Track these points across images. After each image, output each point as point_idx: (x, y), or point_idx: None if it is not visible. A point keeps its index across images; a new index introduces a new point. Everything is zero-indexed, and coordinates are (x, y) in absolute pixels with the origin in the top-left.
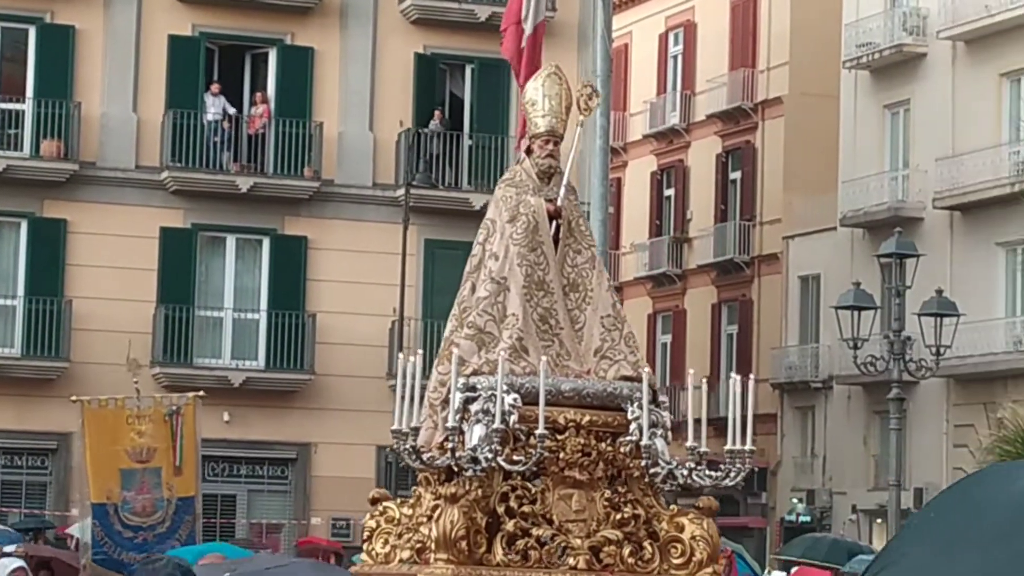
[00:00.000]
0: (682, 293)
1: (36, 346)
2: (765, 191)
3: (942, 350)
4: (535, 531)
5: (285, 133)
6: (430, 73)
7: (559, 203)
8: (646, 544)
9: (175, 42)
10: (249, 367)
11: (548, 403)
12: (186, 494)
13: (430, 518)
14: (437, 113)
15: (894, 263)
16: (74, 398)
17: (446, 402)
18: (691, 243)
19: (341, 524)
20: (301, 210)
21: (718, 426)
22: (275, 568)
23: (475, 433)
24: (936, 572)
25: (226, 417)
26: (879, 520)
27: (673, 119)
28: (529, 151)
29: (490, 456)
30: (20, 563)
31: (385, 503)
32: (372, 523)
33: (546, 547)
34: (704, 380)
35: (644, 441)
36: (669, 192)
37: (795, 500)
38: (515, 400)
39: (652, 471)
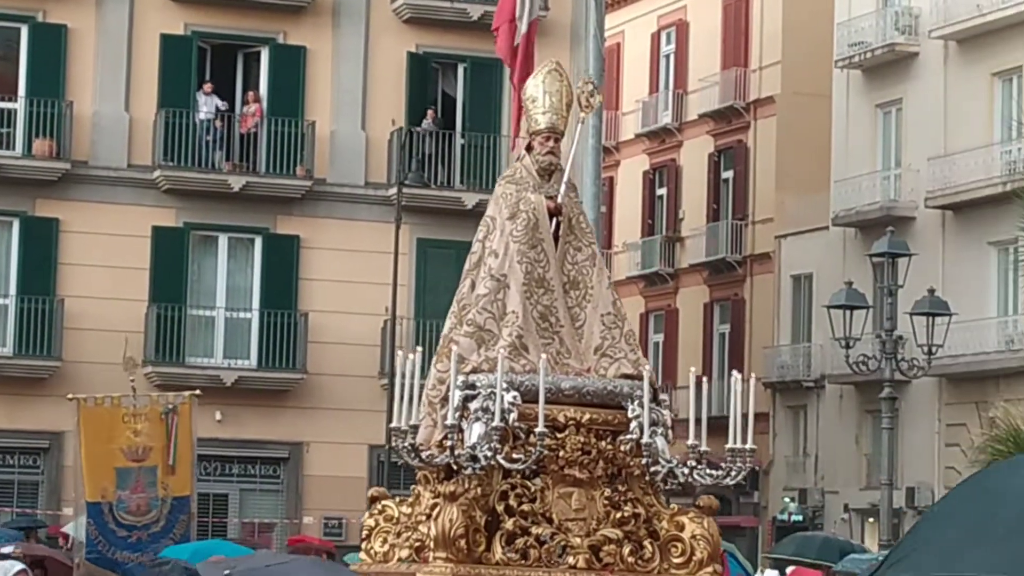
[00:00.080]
0: (674, 292)
1: (28, 345)
2: (757, 190)
3: (934, 349)
4: (535, 530)
5: (277, 132)
6: (422, 72)
7: (559, 200)
8: (646, 543)
9: (167, 41)
10: (241, 366)
11: (548, 401)
12: (181, 493)
13: (429, 516)
14: (430, 112)
15: (886, 262)
16: (70, 396)
17: (445, 400)
18: (683, 242)
19: (333, 523)
20: (293, 209)
21: (710, 425)
22: (276, 565)
23: (474, 431)
24: (954, 562)
25: (218, 416)
26: (871, 519)
27: (665, 118)
28: (529, 148)
29: (489, 454)
30: (22, 566)
31: (384, 502)
32: (371, 522)
33: (546, 546)
34: (696, 380)
35: (645, 439)
36: (661, 191)
37: (787, 499)
38: (515, 398)
39: (652, 469)
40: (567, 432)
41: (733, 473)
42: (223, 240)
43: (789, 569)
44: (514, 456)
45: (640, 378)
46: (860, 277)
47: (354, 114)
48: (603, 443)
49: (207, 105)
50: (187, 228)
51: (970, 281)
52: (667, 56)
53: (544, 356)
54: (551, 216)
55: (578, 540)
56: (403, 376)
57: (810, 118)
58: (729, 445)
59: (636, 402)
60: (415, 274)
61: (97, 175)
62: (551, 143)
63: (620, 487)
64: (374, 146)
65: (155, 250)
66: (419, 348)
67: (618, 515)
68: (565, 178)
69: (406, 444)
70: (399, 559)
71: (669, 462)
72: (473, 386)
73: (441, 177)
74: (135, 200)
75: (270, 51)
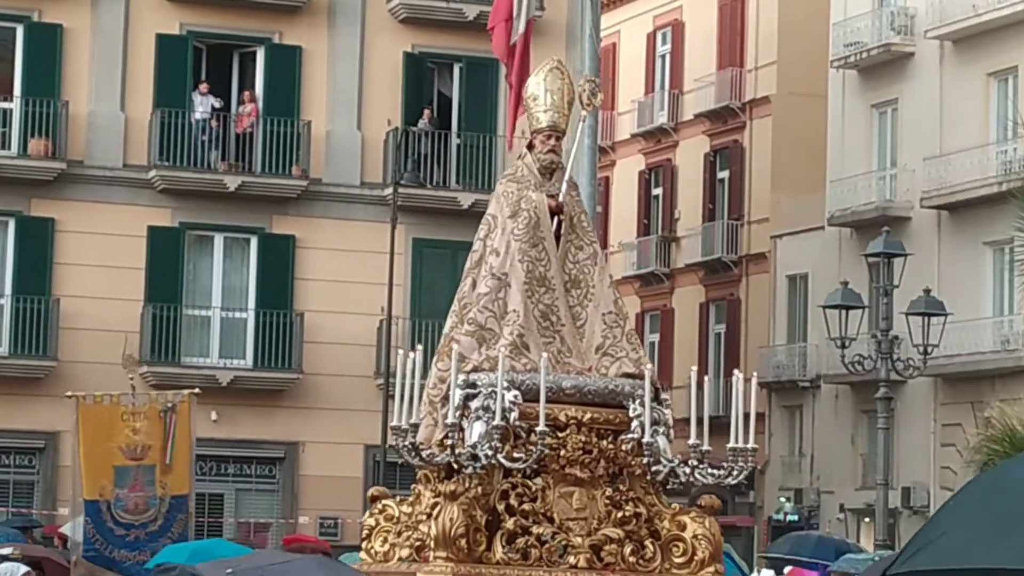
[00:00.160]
0: (670, 292)
1: (24, 345)
2: (753, 190)
3: (930, 349)
4: (535, 529)
5: (273, 132)
6: (418, 72)
7: (561, 198)
8: (648, 543)
9: (163, 41)
10: (237, 366)
11: (549, 400)
12: (179, 492)
13: (429, 516)
14: (426, 112)
15: (882, 262)
16: (69, 394)
17: (446, 399)
18: (679, 242)
19: (329, 523)
20: (289, 209)
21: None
22: (279, 565)
23: (475, 430)
24: (979, 553)
25: (214, 416)
26: (867, 519)
27: (661, 118)
28: (531, 146)
29: (490, 453)
30: (27, 568)
31: (384, 501)
32: (371, 521)
33: (547, 545)
34: (693, 379)
35: (646, 439)
36: (657, 191)
37: (783, 499)
38: (516, 397)
39: (654, 469)
40: (568, 431)
41: (735, 473)
42: (219, 240)
43: (787, 569)
44: (515, 455)
45: (642, 377)
46: (856, 277)
47: (350, 114)
48: (604, 442)
49: (203, 105)
50: (183, 228)
51: (966, 281)
52: (663, 56)
53: (545, 355)
54: (552, 214)
55: (579, 540)
56: (403, 375)
57: (806, 118)
58: (731, 444)
59: (638, 401)
60: (411, 274)
61: (93, 175)
62: (552, 141)
63: (621, 486)
64: (370, 146)
65: (151, 250)
66: (419, 346)
67: (619, 515)
68: (567, 176)
69: (406, 443)
70: (399, 559)
71: (671, 461)
72: (474, 385)
73: (437, 177)
74: (131, 200)
75: (266, 51)
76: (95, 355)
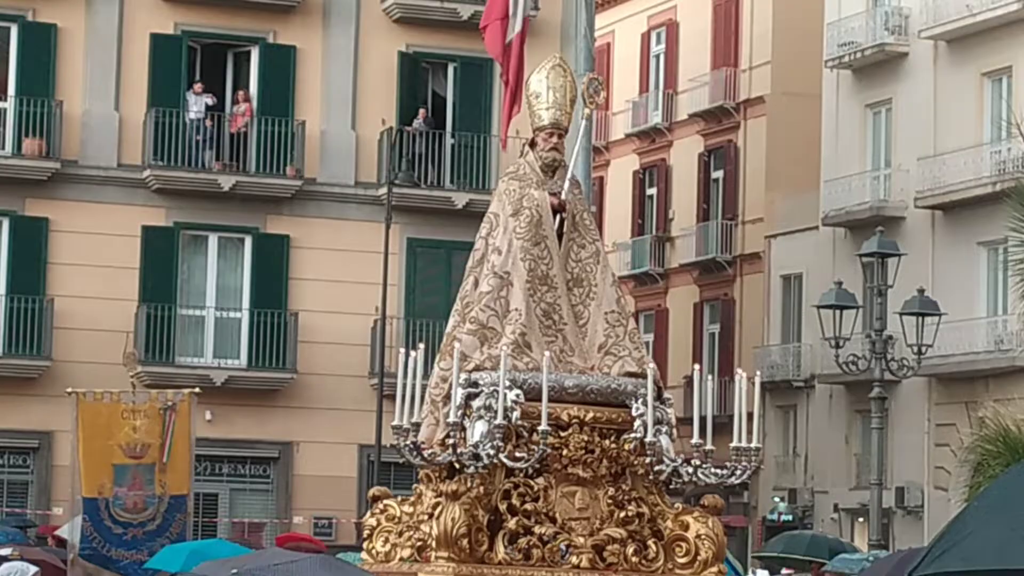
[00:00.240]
0: (664, 292)
1: (18, 344)
2: (747, 190)
3: (924, 349)
4: (537, 529)
5: (267, 132)
6: (413, 72)
7: (563, 196)
8: (650, 543)
9: (157, 40)
10: (231, 366)
11: (551, 399)
12: (178, 492)
13: (431, 516)
14: (421, 112)
15: (876, 262)
16: (69, 390)
17: (448, 398)
18: (673, 242)
19: (323, 523)
20: (283, 209)
21: (702, 425)
22: (283, 564)
23: (477, 429)
24: (1006, 553)
25: (208, 416)
26: (860, 519)
27: (655, 118)
28: (533, 144)
29: (492, 453)
30: (35, 568)
31: (385, 501)
32: (372, 521)
33: (549, 545)
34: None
35: (649, 438)
36: (651, 191)
37: (777, 499)
38: (517, 396)
39: (657, 468)
40: (570, 431)
41: (738, 472)
42: (213, 240)
43: (785, 571)
44: (517, 455)
45: (644, 376)
46: (850, 277)
47: (344, 114)
48: (607, 442)
49: (197, 104)
50: (177, 228)
51: (960, 281)
52: (657, 56)
53: (547, 354)
54: (555, 213)
55: (581, 540)
56: (404, 374)
57: (800, 118)
58: (734, 444)
59: (640, 400)
60: (405, 274)
61: (87, 174)
62: (555, 139)
63: (624, 486)
64: (364, 146)
65: (145, 250)
66: (421, 345)
67: (622, 514)
68: (569, 174)
69: (408, 442)
70: (401, 559)
71: (673, 461)
72: (476, 384)
73: (431, 177)
74: (125, 199)
75: (260, 51)
76: (89, 355)
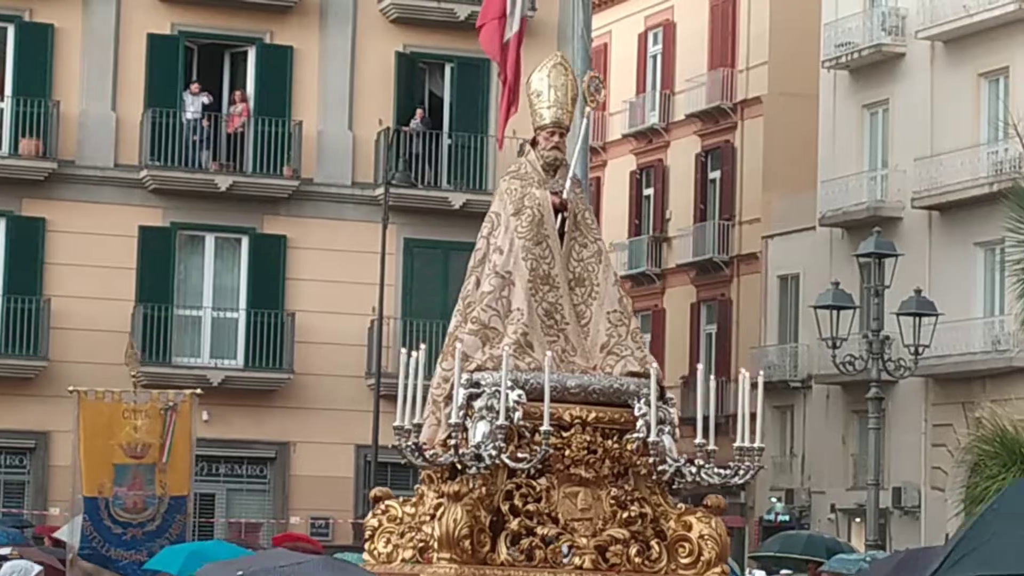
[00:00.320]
0: (661, 292)
1: (14, 345)
2: (744, 191)
3: (920, 350)
4: (540, 530)
5: (264, 132)
6: (410, 72)
7: (565, 195)
8: (653, 543)
9: (154, 41)
10: (228, 366)
11: (553, 399)
12: (179, 493)
13: (433, 517)
14: (419, 112)
15: (873, 263)
16: (71, 388)
17: (449, 398)
18: (670, 242)
19: (320, 523)
20: (280, 209)
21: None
22: (289, 566)
23: (479, 430)
24: None
25: (205, 416)
26: (857, 519)
27: (652, 118)
28: (534, 143)
29: (494, 453)
30: (39, 567)
31: (387, 501)
32: (374, 522)
33: (551, 546)
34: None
35: (651, 438)
36: (648, 191)
37: (774, 499)
38: (520, 396)
39: (660, 469)
40: (573, 431)
41: (741, 472)
42: (210, 240)
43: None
44: (519, 455)
45: (647, 376)
46: (847, 277)
47: (341, 114)
48: (609, 442)
49: (194, 105)
50: (174, 228)
51: (957, 281)
52: (654, 56)
53: (549, 354)
54: (556, 212)
55: (584, 540)
56: (406, 375)
57: (797, 118)
58: (737, 444)
59: (643, 400)
60: (402, 274)
61: (84, 175)
62: (556, 138)
63: (627, 486)
64: (361, 146)
65: (142, 250)
66: (423, 346)
67: (625, 515)
68: (570, 173)
69: (409, 443)
70: (403, 560)
71: (676, 461)
72: (478, 384)
73: (428, 177)
74: (122, 200)
75: (257, 51)
76: (86, 355)
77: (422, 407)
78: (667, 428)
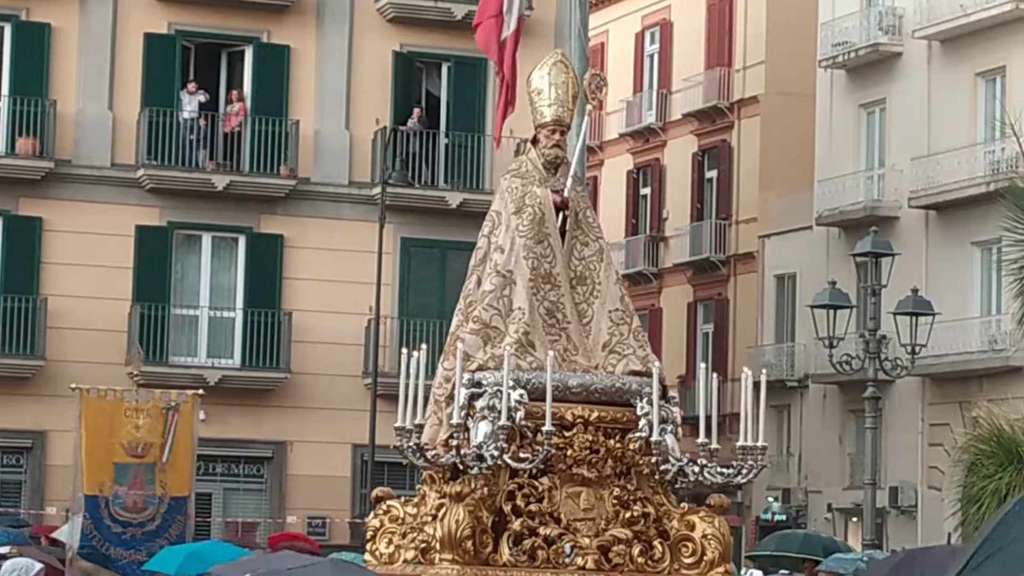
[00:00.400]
0: (658, 292)
1: (11, 344)
2: (741, 190)
3: (917, 349)
4: (542, 530)
5: (261, 131)
6: (407, 71)
7: (566, 194)
8: (656, 543)
9: (151, 40)
10: (225, 365)
11: (555, 399)
12: (180, 494)
13: (435, 517)
14: (416, 111)
15: (870, 262)
16: (73, 386)
17: (451, 398)
18: (667, 242)
19: (317, 523)
20: (277, 208)
21: (692, 424)
22: (298, 568)
23: (481, 430)
24: None
25: (202, 416)
26: (854, 519)
27: (649, 118)
28: (535, 141)
29: (496, 453)
30: (40, 565)
31: (389, 502)
32: (376, 522)
33: (554, 546)
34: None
35: (654, 437)
36: (645, 191)
37: (771, 499)
38: (521, 396)
39: (662, 468)
40: (575, 430)
41: (744, 471)
42: (207, 239)
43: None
44: (521, 455)
45: (649, 375)
46: (844, 277)
47: (338, 113)
48: (612, 441)
49: (191, 104)
50: (171, 227)
51: (953, 281)
52: (651, 56)
53: (551, 353)
54: (557, 210)
55: (587, 540)
56: (407, 375)
57: (794, 118)
58: (740, 443)
59: (645, 399)
60: (399, 273)
61: (80, 174)
62: (557, 136)
63: (629, 486)
64: (358, 145)
65: (138, 249)
66: (424, 346)
67: (627, 515)
68: (571, 172)
69: (411, 444)
70: (405, 560)
71: (679, 460)
72: (479, 384)
73: (425, 176)
74: (118, 199)
75: (254, 50)
76: (83, 354)
77: (423, 407)
78: (670, 427)
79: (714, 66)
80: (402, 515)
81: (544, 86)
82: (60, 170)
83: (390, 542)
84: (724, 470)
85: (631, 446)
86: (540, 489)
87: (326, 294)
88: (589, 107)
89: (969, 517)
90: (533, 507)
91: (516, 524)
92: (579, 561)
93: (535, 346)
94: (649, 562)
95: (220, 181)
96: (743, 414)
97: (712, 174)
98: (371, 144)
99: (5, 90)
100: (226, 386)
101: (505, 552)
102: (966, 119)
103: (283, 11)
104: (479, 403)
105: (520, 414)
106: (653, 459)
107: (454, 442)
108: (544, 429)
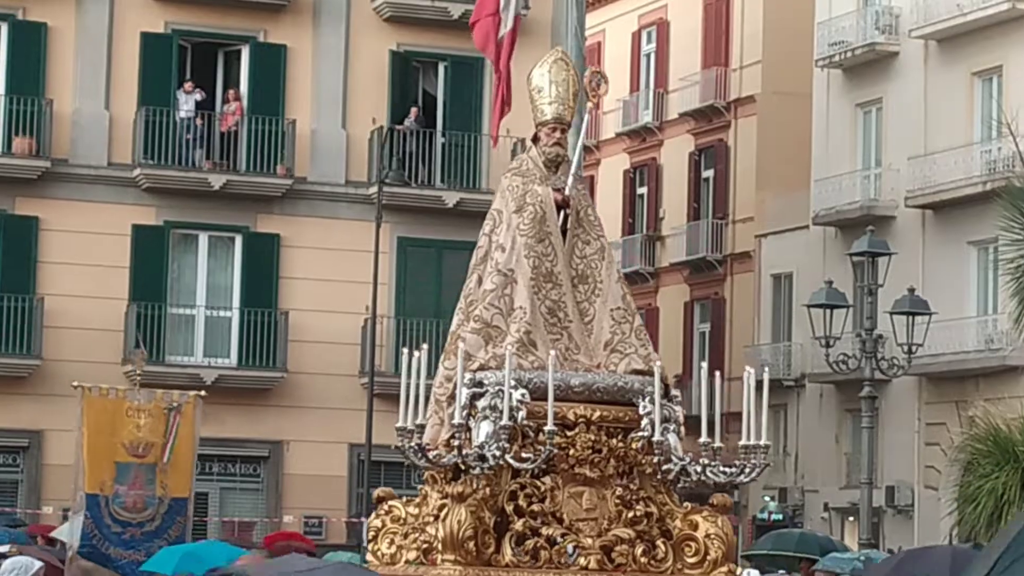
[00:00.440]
0: (655, 291)
1: (7, 344)
2: (738, 189)
3: (914, 348)
4: (545, 530)
5: (258, 130)
6: (403, 71)
7: (567, 192)
8: (659, 543)
9: (147, 39)
10: (221, 365)
11: (557, 398)
12: (180, 495)
13: (437, 518)
14: (413, 110)
15: (866, 261)
16: (75, 384)
17: (452, 398)
18: (664, 241)
19: (313, 522)
20: (274, 208)
21: (689, 424)
22: (307, 572)
23: (482, 430)
24: None
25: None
26: (851, 518)
27: (646, 117)
28: (536, 139)
29: (498, 454)
30: (40, 564)
31: (390, 502)
32: (377, 522)
33: (556, 547)
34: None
35: (656, 437)
36: (642, 190)
37: (767, 498)
38: (523, 396)
39: (665, 467)
40: (577, 430)
41: (747, 470)
42: (203, 238)
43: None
44: (523, 455)
45: (651, 374)
46: (840, 276)
47: (335, 112)
48: (614, 441)
49: (187, 103)
50: (167, 226)
51: (950, 280)
52: (648, 55)
53: (553, 352)
54: (559, 209)
55: (589, 540)
56: (408, 375)
57: (790, 117)
58: (743, 442)
59: (647, 398)
60: (395, 273)
61: (77, 173)
62: (558, 134)
63: (632, 485)
64: (355, 145)
65: (135, 248)
66: (424, 345)
67: (630, 514)
68: (572, 170)
69: (412, 444)
70: (406, 561)
71: (682, 459)
72: (481, 384)
73: (422, 176)
74: (115, 198)
75: (250, 49)
76: (80, 354)
77: (424, 407)
78: (672, 426)
79: (711, 65)
80: (404, 515)
81: (545, 84)
82: (56, 169)
83: (392, 542)
84: (727, 469)
85: (633, 445)
86: (542, 489)
87: (322, 293)
88: (589, 104)
89: (966, 516)
90: (535, 507)
91: (518, 524)
92: (581, 561)
93: (537, 345)
94: (652, 562)
95: (216, 180)
96: (745, 413)
97: (709, 173)
98: (368, 143)
99: (1, 89)
100: (222, 385)
101: (507, 552)
102: (963, 119)
103: (279, 10)
104: (481, 403)
105: (522, 414)
106: (655, 458)
107: (456, 442)
108: (546, 429)
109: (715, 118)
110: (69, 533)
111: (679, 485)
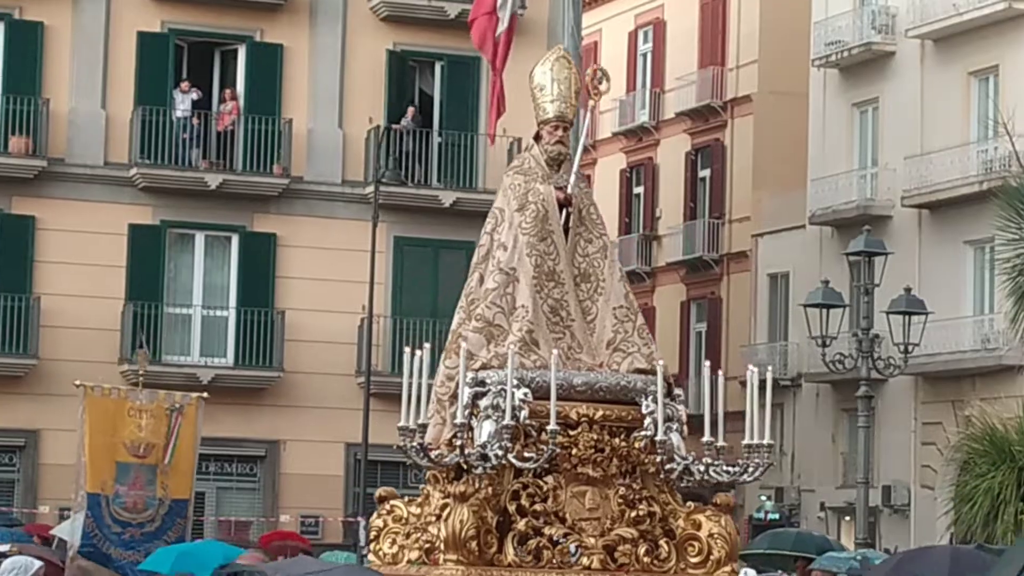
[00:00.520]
0: (651, 291)
1: (3, 343)
2: (734, 189)
3: (910, 348)
4: (547, 530)
5: (254, 130)
6: (400, 70)
7: (569, 190)
8: (662, 542)
9: (144, 38)
10: (218, 364)
11: (560, 397)
12: (180, 496)
13: (439, 517)
14: (411, 110)
15: (863, 261)
16: (77, 383)
17: (454, 397)
18: (660, 241)
19: (310, 522)
20: (270, 207)
21: (688, 424)
22: (317, 573)
23: (484, 429)
24: None
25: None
26: (847, 517)
27: (642, 117)
28: (538, 138)
29: (500, 453)
30: (40, 563)
31: (392, 501)
32: (379, 522)
33: (559, 546)
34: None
35: (659, 436)
36: (638, 190)
37: (763, 498)
38: (525, 395)
39: (668, 467)
40: (580, 429)
41: (750, 469)
42: (200, 238)
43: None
44: (526, 455)
45: (654, 372)
46: (837, 276)
47: (331, 112)
48: (617, 440)
49: (184, 103)
50: (164, 226)
51: (946, 280)
52: (644, 55)
53: (555, 351)
54: (561, 207)
55: (592, 540)
56: (410, 374)
57: (787, 117)
58: (745, 441)
59: (650, 398)
60: (392, 272)
61: (73, 172)
62: (560, 132)
63: (635, 485)
64: (351, 144)
65: (132, 248)
66: (427, 345)
67: (633, 514)
68: (574, 168)
69: (414, 444)
70: (408, 561)
71: (684, 459)
72: (483, 383)
73: (418, 175)
74: (112, 198)
75: (247, 49)
76: (76, 353)
77: (426, 407)
78: (675, 425)
79: (707, 65)
80: (406, 515)
81: (546, 82)
82: (53, 169)
83: (394, 542)
84: (730, 468)
85: (636, 445)
86: (545, 488)
87: (319, 293)
88: (591, 102)
89: (962, 516)
90: (538, 507)
91: (521, 524)
92: (584, 561)
93: (539, 344)
94: (655, 561)
95: (213, 180)
96: (748, 412)
97: (705, 173)
98: (364, 143)
99: None
100: (219, 385)
101: (510, 552)
102: (959, 118)
103: (276, 10)
104: (483, 402)
105: (524, 413)
106: (658, 458)
107: (458, 442)
108: (549, 428)
109: (711, 118)
110: (70, 531)
111: (682, 484)
